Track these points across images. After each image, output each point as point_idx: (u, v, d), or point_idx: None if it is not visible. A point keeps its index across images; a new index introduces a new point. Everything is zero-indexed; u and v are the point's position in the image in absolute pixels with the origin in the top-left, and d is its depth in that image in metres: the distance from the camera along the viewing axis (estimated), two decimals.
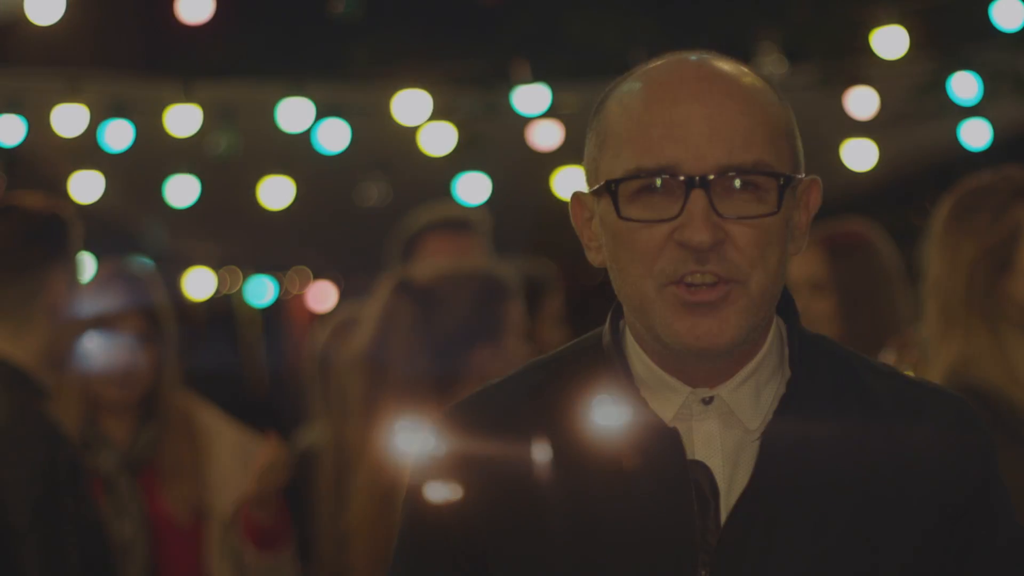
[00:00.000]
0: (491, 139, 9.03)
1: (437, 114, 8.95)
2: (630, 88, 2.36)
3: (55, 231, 4.51)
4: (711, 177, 2.25)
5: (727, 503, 2.30)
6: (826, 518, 2.30)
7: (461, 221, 5.77)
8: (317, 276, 14.36)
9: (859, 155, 9.77)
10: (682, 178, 2.25)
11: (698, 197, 2.24)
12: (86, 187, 9.61)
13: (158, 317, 5.28)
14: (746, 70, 2.36)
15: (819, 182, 2.40)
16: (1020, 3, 8.48)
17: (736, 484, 2.31)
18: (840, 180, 10.63)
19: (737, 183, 2.27)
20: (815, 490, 2.30)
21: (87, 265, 4.66)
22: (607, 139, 2.34)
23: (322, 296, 14.63)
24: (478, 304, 4.45)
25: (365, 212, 10.53)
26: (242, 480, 5.10)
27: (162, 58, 11.94)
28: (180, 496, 5.16)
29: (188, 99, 8.76)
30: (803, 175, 2.38)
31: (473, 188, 9.54)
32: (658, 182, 2.27)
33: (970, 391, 3.97)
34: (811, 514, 2.30)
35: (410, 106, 8.85)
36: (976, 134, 9.57)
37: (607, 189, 2.31)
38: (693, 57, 2.36)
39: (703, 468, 2.31)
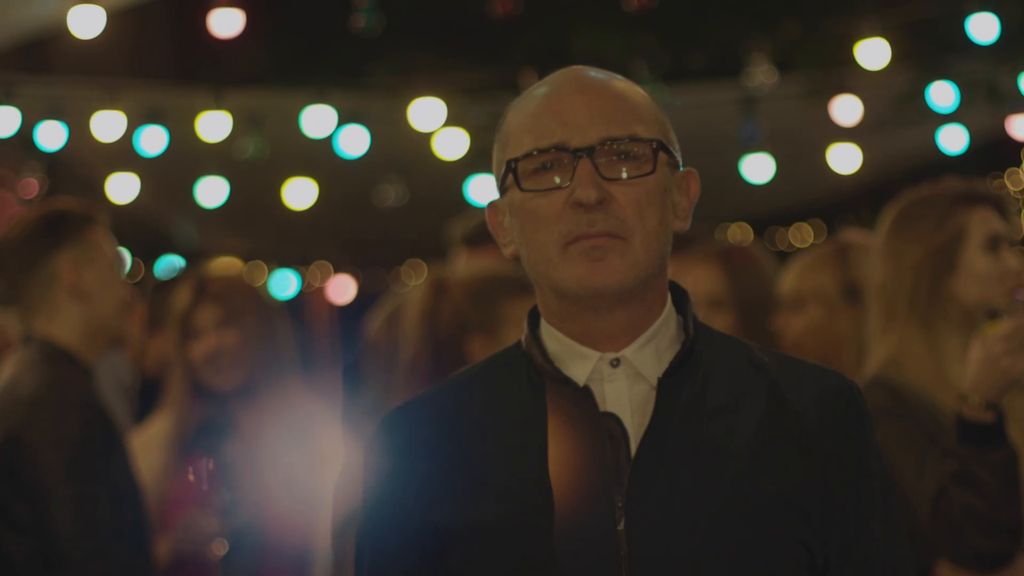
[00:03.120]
0: None
1: (451, 121, 8.98)
2: (525, 97, 2.61)
3: (54, 224, 4.68)
4: (594, 147, 2.49)
5: (635, 446, 2.48)
6: (723, 451, 2.48)
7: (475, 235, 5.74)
8: (337, 270, 14.41)
9: (844, 159, 9.81)
10: (570, 151, 2.49)
11: (585, 164, 2.48)
12: (122, 188, 9.66)
13: (233, 304, 5.25)
14: (624, 78, 2.60)
15: (696, 173, 2.63)
16: (995, 17, 8.50)
17: (643, 430, 2.49)
18: (827, 182, 10.66)
19: (617, 154, 2.49)
20: (709, 428, 2.49)
21: (106, 249, 4.74)
22: (508, 139, 2.57)
23: (342, 289, 14.67)
24: (474, 301, 4.53)
25: (382, 212, 10.57)
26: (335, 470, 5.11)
27: (194, 68, 11.97)
28: (287, 486, 5.15)
29: (218, 106, 8.79)
30: (680, 163, 2.59)
31: (484, 190, 9.57)
32: (551, 164, 2.50)
33: (886, 387, 4.03)
34: (707, 448, 2.48)
35: (425, 114, 8.89)
36: (953, 140, 9.61)
37: (509, 168, 2.53)
38: (579, 68, 2.62)
39: (614, 418, 2.49)
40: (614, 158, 2.49)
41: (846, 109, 9.07)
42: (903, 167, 11.11)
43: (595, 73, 2.59)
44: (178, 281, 5.85)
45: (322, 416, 5.32)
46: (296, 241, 12.51)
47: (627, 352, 2.51)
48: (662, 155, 2.52)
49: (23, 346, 4.63)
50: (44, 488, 4.33)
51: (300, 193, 9.90)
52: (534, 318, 2.60)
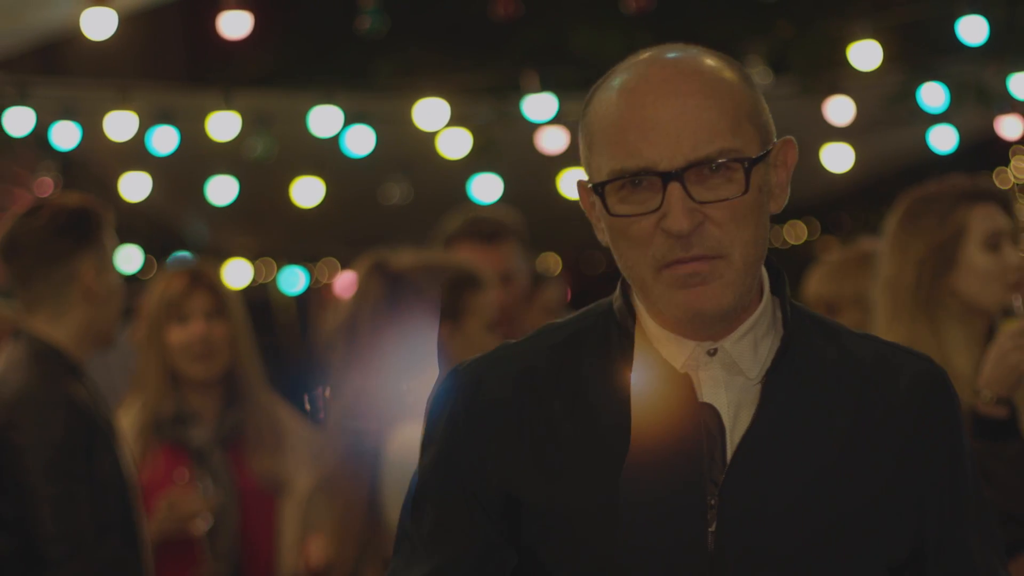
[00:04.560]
0: (503, 144, 9.03)
1: (454, 121, 8.95)
2: (607, 90, 2.38)
3: (81, 224, 4.54)
4: (683, 170, 2.28)
5: (731, 442, 2.33)
6: (818, 455, 2.34)
7: (489, 232, 5.69)
8: (345, 267, 14.35)
9: (837, 158, 9.77)
10: (659, 175, 2.29)
11: (674, 189, 2.28)
12: (135, 187, 9.63)
13: (225, 296, 5.21)
14: (710, 61, 2.37)
15: (793, 141, 2.42)
16: (983, 20, 8.47)
17: (739, 425, 2.35)
18: (820, 181, 10.63)
19: (709, 170, 2.29)
20: (808, 430, 2.35)
21: (115, 251, 4.65)
22: (593, 140, 2.37)
23: (349, 285, 14.62)
24: (445, 288, 4.50)
25: (388, 209, 10.54)
26: (311, 470, 5.07)
27: (204, 69, 11.96)
28: (267, 469, 5.11)
29: (228, 107, 8.76)
30: (775, 141, 2.39)
31: (486, 188, 9.55)
32: (639, 180, 2.31)
33: None
34: (805, 451, 2.34)
35: (429, 114, 8.86)
36: (943, 139, 9.58)
37: (596, 192, 2.35)
38: (665, 55, 2.39)
39: (711, 409, 2.34)
40: (706, 176, 2.29)
41: (839, 109, 9.04)
42: (894, 166, 11.09)
43: (681, 64, 2.35)
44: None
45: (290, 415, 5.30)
46: (304, 238, 12.48)
47: (726, 343, 2.36)
48: (756, 166, 2.32)
49: (13, 340, 4.51)
50: (26, 488, 4.22)
51: (308, 191, 9.87)
52: (626, 283, 2.42)
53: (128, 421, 5.13)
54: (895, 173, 11.31)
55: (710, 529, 2.29)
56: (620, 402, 2.35)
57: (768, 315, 2.40)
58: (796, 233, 15.24)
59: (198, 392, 5.17)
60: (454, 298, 4.55)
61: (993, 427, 3.78)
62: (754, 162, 2.32)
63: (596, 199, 2.37)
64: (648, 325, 2.38)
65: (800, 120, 9.43)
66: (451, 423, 2.41)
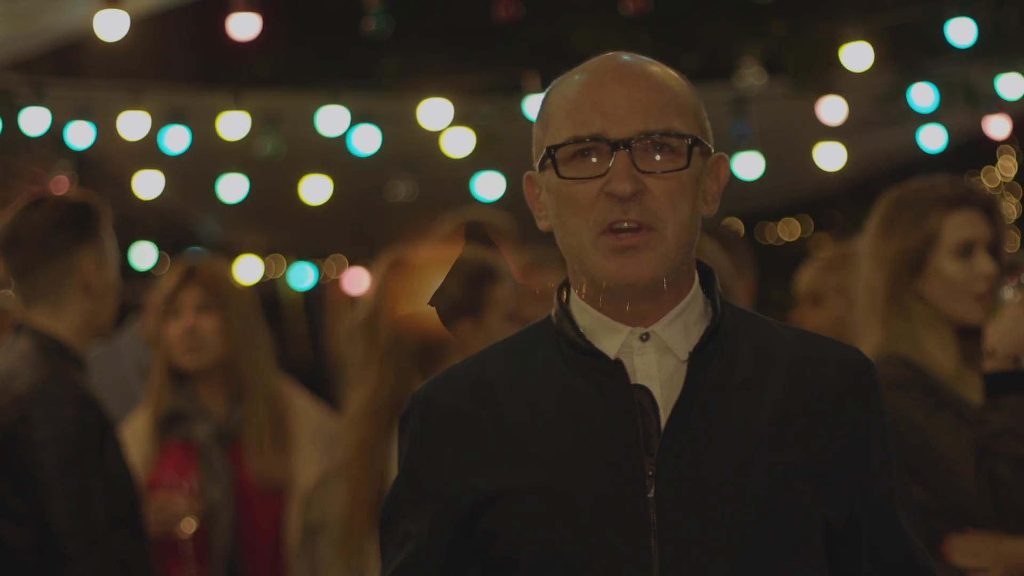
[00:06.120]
0: (505, 142, 9.02)
1: (458, 120, 8.94)
2: (567, 80, 2.54)
3: (81, 217, 4.44)
4: (632, 140, 2.43)
5: (665, 416, 2.44)
6: (749, 422, 2.44)
7: (483, 235, 5.67)
8: (352, 263, 14.36)
9: (830, 157, 9.76)
10: (608, 142, 2.43)
11: (621, 156, 2.42)
12: (148, 185, 9.62)
13: (220, 291, 5.17)
14: (661, 64, 2.53)
15: (726, 158, 2.56)
16: (972, 22, 8.46)
17: (671, 402, 2.45)
18: (813, 179, 10.62)
19: (653, 147, 2.44)
20: (739, 400, 2.46)
21: (114, 246, 4.57)
22: (549, 120, 2.51)
23: (357, 280, 14.63)
24: (461, 283, 4.49)
25: (394, 206, 10.53)
26: (322, 459, 5.02)
27: (215, 70, 11.95)
28: (264, 467, 5.06)
29: (238, 107, 8.75)
30: (713, 149, 2.53)
31: (489, 186, 9.55)
32: (589, 151, 2.45)
33: (903, 361, 3.98)
34: (736, 419, 2.44)
35: (434, 113, 8.85)
36: (933, 138, 9.57)
37: (548, 154, 2.48)
38: (622, 56, 2.54)
39: (644, 390, 2.46)
40: (650, 150, 2.43)
41: (831, 109, 9.03)
42: (885, 165, 11.08)
43: (636, 62, 2.52)
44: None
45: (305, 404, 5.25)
46: (313, 235, 12.49)
47: (656, 327, 2.48)
48: (696, 148, 2.46)
49: (15, 334, 4.41)
50: (41, 484, 4.14)
51: (316, 189, 9.86)
52: (562, 292, 2.56)
53: (142, 419, 5.11)
54: (886, 171, 11.27)
55: (649, 495, 2.40)
56: (562, 393, 2.48)
57: (698, 305, 2.53)
58: (790, 230, 15.24)
59: (204, 387, 5.13)
60: (473, 292, 4.54)
61: (1019, 380, 3.78)
62: (697, 141, 2.46)
63: (543, 181, 2.51)
64: (584, 320, 2.52)
65: (793, 119, 9.43)
66: (411, 443, 2.55)
